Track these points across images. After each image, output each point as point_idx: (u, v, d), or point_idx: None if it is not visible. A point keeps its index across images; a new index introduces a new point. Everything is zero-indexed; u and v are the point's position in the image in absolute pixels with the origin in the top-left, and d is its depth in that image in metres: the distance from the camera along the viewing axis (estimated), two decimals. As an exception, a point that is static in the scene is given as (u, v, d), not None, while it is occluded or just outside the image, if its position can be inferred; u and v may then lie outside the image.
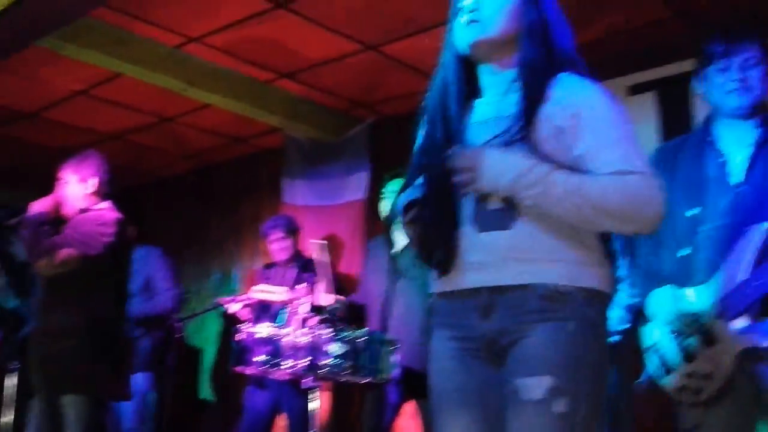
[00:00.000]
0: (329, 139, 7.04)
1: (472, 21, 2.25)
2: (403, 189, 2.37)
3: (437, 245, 2.26)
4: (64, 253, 4.03)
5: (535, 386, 2.06)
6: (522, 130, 2.15)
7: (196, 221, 8.23)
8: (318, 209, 7.02)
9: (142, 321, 5.72)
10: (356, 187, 6.82)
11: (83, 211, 4.29)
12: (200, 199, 8.33)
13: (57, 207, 4.29)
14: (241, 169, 7.96)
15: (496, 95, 2.30)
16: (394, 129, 6.49)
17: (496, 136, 2.18)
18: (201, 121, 7.10)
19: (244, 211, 7.84)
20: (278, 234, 5.81)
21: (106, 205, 4.35)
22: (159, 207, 8.55)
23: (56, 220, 4.21)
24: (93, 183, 4.35)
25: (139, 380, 5.68)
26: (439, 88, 2.37)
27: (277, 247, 5.82)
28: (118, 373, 4.17)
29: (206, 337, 6.85)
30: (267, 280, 5.77)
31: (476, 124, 2.29)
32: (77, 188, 4.33)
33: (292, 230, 5.86)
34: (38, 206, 4.20)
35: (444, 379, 2.27)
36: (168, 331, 5.91)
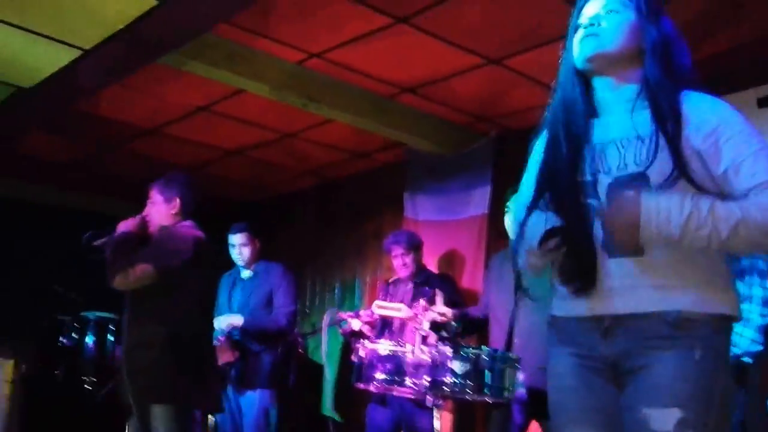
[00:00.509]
0: (451, 154, 6.97)
1: (591, 34, 2.24)
2: (521, 203, 2.36)
3: (579, 274, 2.22)
4: (140, 269, 4.09)
5: (664, 418, 2.04)
6: (677, 160, 2.11)
7: (318, 236, 8.28)
8: (440, 224, 6.96)
9: (261, 337, 5.74)
10: (479, 201, 6.73)
11: (164, 228, 4.37)
12: (322, 213, 8.37)
13: (143, 226, 4.39)
14: (363, 184, 7.97)
15: (622, 112, 2.25)
16: (517, 143, 6.33)
17: (643, 169, 2.15)
18: (323, 137, 7.13)
19: (366, 225, 7.84)
20: (400, 249, 5.77)
21: (187, 223, 4.42)
22: (282, 222, 8.63)
23: (142, 239, 4.30)
24: (177, 203, 4.44)
25: (260, 396, 5.71)
26: (561, 105, 2.34)
27: (400, 262, 5.78)
28: (202, 384, 4.20)
29: (328, 353, 6.84)
30: (388, 295, 5.73)
31: (608, 143, 2.24)
32: (162, 208, 4.43)
33: (414, 245, 5.81)
34: (124, 226, 4.31)
35: (565, 397, 2.25)
36: (288, 347, 5.91)
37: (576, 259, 2.21)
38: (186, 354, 4.15)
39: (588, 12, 2.28)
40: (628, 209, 2.08)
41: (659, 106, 2.16)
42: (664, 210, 2.06)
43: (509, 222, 4.74)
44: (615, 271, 2.15)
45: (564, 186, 2.24)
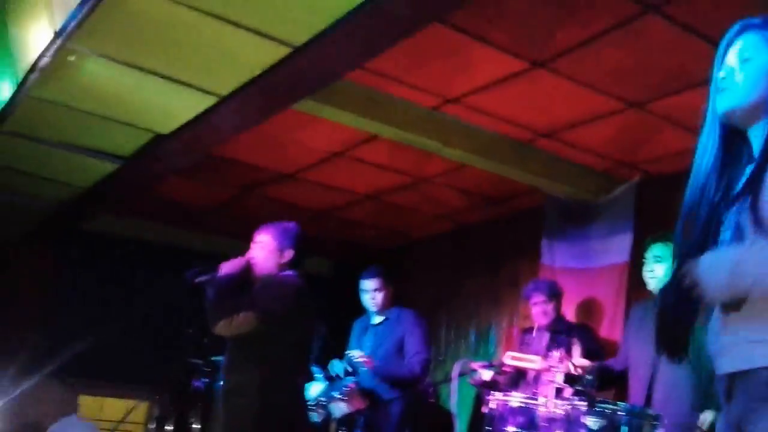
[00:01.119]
0: (590, 199, 6.81)
1: (723, 89, 2.12)
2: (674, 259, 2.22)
3: (671, 334, 2.16)
4: (243, 316, 4.06)
5: None
6: (749, 203, 1.97)
7: (453, 282, 8.20)
8: (578, 272, 6.79)
9: (393, 384, 5.67)
10: (619, 249, 6.52)
11: (270, 276, 4.34)
12: (457, 259, 8.29)
13: (247, 269, 4.34)
14: (498, 230, 7.86)
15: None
16: (660, 189, 6.22)
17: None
18: (457, 182, 7.09)
19: (501, 272, 7.73)
20: (540, 297, 5.69)
21: (291, 273, 4.38)
22: (416, 268, 8.61)
23: (244, 283, 4.26)
24: (289, 254, 4.39)
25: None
26: (701, 155, 2.21)
27: (539, 310, 5.71)
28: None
29: (459, 403, 6.75)
30: (524, 345, 5.63)
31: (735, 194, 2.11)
32: (273, 255, 4.39)
33: (555, 294, 5.71)
34: (228, 267, 4.27)
35: None
36: (420, 395, 5.83)
37: (671, 320, 2.16)
38: (274, 402, 4.13)
39: (726, 61, 2.15)
40: (691, 269, 2.01)
41: (762, 152, 2.02)
42: (716, 257, 1.99)
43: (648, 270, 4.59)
44: (729, 326, 2.02)
45: (689, 251, 2.11)
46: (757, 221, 1.95)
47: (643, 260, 4.68)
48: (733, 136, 2.17)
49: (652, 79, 5.05)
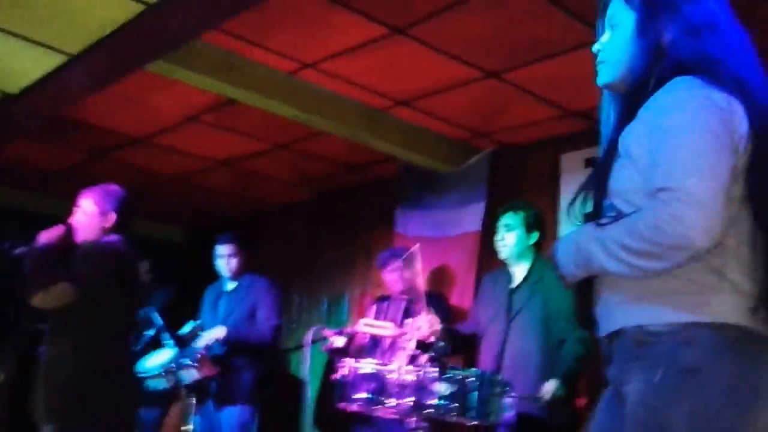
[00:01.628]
0: (446, 169, 6.86)
1: (600, 62, 2.13)
2: None
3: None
4: (60, 287, 3.90)
5: None
6: (604, 162, 1.99)
7: (307, 250, 8.17)
8: (431, 240, 6.82)
9: (244, 351, 5.62)
10: (472, 218, 6.61)
11: (90, 243, 4.17)
12: (312, 227, 8.25)
13: (67, 236, 4.16)
14: (355, 199, 7.86)
15: None
16: (515, 158, 6.32)
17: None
18: (315, 149, 7.03)
19: (356, 240, 7.73)
20: (397, 264, 5.66)
21: (114, 237, 4.21)
22: (270, 235, 8.52)
23: (64, 250, 4.08)
24: (113, 218, 4.23)
25: (241, 412, 5.61)
26: (604, 125, 2.20)
27: (395, 277, 5.69)
28: (112, 408, 4.00)
29: (310, 371, 6.75)
30: (378, 312, 5.62)
31: None
32: (95, 220, 4.21)
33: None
34: (46, 236, 4.07)
35: (598, 418, 2.09)
36: (271, 362, 5.79)
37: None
38: (96, 374, 3.98)
39: (600, 30, 2.15)
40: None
41: (620, 109, 2.06)
42: (564, 245, 2.03)
43: (500, 239, 4.65)
44: (601, 293, 2.03)
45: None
46: (605, 195, 1.97)
47: (495, 229, 4.72)
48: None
49: (509, 48, 5.08)
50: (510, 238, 4.61)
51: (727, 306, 1.84)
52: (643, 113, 1.94)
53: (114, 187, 4.33)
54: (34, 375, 4.14)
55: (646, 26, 2.04)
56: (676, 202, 1.76)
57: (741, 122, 1.87)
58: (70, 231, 4.16)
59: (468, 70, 5.40)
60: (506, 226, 4.62)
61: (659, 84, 1.95)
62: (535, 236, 4.62)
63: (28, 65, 5.32)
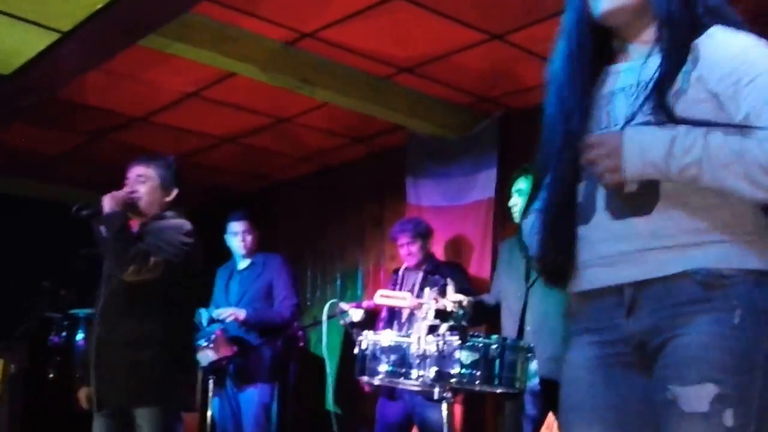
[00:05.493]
0: (454, 136, 6.75)
1: None
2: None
3: (554, 248, 2.02)
4: (153, 262, 3.77)
5: (697, 396, 1.77)
6: (663, 100, 1.86)
7: (317, 225, 8.07)
8: (444, 209, 6.75)
9: (261, 330, 5.57)
10: (485, 185, 6.51)
11: (159, 217, 4.04)
12: (321, 202, 8.14)
13: (129, 205, 3.96)
14: (363, 170, 7.74)
15: (639, 58, 1.99)
16: (523, 122, 6.20)
17: (635, 109, 1.90)
18: (318, 121, 6.90)
19: (367, 213, 7.64)
20: (405, 238, 5.62)
21: (173, 213, 4.07)
22: (278, 212, 8.41)
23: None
24: (175, 194, 4.09)
25: (260, 392, 5.57)
26: (564, 57, 2.08)
27: (406, 251, 5.63)
28: (191, 385, 4.00)
29: (330, 346, 6.69)
30: (398, 285, 5.59)
31: (614, 92, 2.01)
32: (158, 193, 4.05)
33: (420, 234, 5.65)
34: (111, 202, 3.85)
35: (578, 391, 2.00)
36: (289, 341, 5.74)
37: (551, 231, 2.03)
38: (179, 352, 3.93)
39: None
40: (609, 138, 1.88)
41: (668, 45, 1.91)
42: (648, 132, 1.85)
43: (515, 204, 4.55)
44: (621, 234, 1.90)
45: (557, 144, 2.03)
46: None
47: (511, 193, 4.61)
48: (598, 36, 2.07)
49: (511, 8, 4.95)
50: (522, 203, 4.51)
51: None
52: (709, 52, 1.89)
53: (172, 159, 4.19)
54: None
55: None
56: None
57: None
58: (134, 201, 3.98)
59: (470, 32, 5.27)
60: (519, 190, 4.52)
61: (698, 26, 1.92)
62: (549, 200, 4.50)
63: (20, 45, 5.20)
